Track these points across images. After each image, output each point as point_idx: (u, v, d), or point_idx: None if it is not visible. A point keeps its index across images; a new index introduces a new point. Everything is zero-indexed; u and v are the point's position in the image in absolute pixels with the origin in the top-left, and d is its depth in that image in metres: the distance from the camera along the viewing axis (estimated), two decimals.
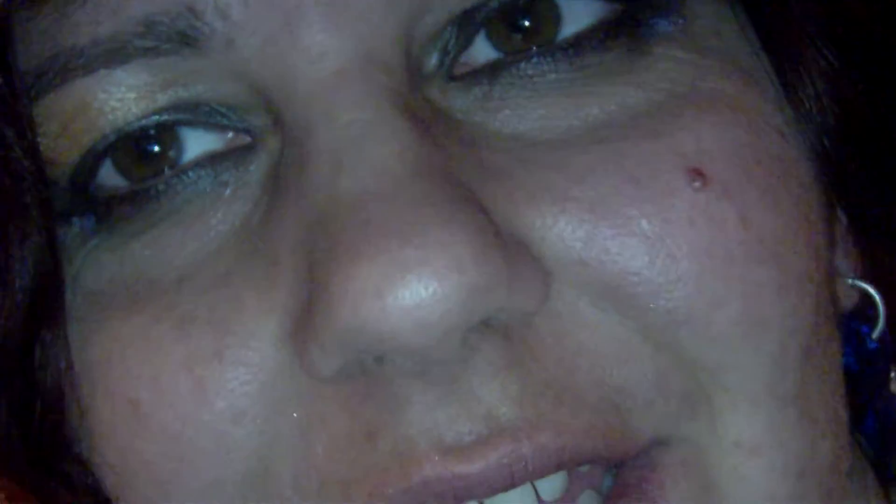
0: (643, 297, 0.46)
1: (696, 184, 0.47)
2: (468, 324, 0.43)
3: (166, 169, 0.49)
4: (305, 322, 0.45)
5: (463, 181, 0.45)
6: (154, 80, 0.48)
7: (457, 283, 0.42)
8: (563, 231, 0.46)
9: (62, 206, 0.51)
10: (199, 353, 0.47)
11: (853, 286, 0.56)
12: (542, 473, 0.45)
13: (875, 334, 0.57)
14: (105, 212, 0.50)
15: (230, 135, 0.50)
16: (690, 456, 0.47)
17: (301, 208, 0.46)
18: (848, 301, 0.56)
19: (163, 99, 0.48)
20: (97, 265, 0.51)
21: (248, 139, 0.49)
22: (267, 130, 0.48)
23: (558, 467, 0.45)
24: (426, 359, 0.44)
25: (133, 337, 0.49)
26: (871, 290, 0.56)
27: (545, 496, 0.47)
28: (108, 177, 0.50)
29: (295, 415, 0.47)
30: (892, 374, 0.58)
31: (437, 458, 0.44)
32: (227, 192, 0.49)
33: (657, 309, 0.46)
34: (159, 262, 0.49)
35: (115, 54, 0.47)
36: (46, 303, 0.51)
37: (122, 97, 0.48)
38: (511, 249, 0.44)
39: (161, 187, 0.49)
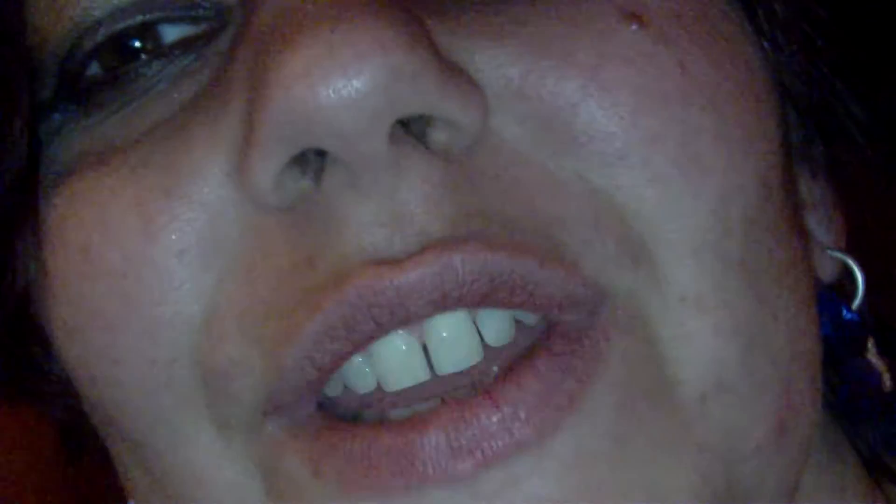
0: (579, 129, 0.46)
1: (634, 26, 0.47)
2: (396, 110, 0.44)
3: (143, 56, 0.51)
4: (246, 134, 0.46)
5: (404, 5, 0.46)
6: None
7: (380, 62, 0.43)
8: (502, 64, 0.46)
9: (47, 95, 0.52)
10: (148, 191, 0.48)
11: (833, 257, 0.57)
12: (476, 289, 0.45)
13: (854, 305, 0.58)
14: (86, 99, 0.52)
15: (205, 24, 0.51)
16: (636, 311, 0.47)
17: (251, 35, 0.47)
18: (830, 273, 0.57)
19: None
20: (72, 145, 0.52)
21: (218, 24, 0.51)
22: (235, 7, 0.50)
23: (492, 284, 0.45)
24: (356, 152, 0.44)
25: (89, 190, 0.49)
26: (850, 261, 0.57)
27: (490, 342, 0.47)
28: (94, 72, 0.52)
29: (240, 252, 0.47)
30: (870, 346, 0.60)
31: (369, 271, 0.45)
32: (196, 64, 0.50)
33: (593, 142, 0.46)
34: (126, 132, 0.50)
35: None
36: (23, 190, 0.52)
37: None
38: (447, 62, 0.45)
39: (139, 70, 0.51)
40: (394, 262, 0.45)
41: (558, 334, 0.47)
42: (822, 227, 0.57)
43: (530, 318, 0.48)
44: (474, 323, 0.47)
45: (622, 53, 0.47)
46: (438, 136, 0.45)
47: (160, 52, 0.51)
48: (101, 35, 0.51)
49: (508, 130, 0.46)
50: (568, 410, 0.45)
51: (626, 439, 0.46)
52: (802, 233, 0.53)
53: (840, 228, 0.58)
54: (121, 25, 0.51)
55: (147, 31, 0.51)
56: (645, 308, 0.47)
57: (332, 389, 0.49)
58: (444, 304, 0.45)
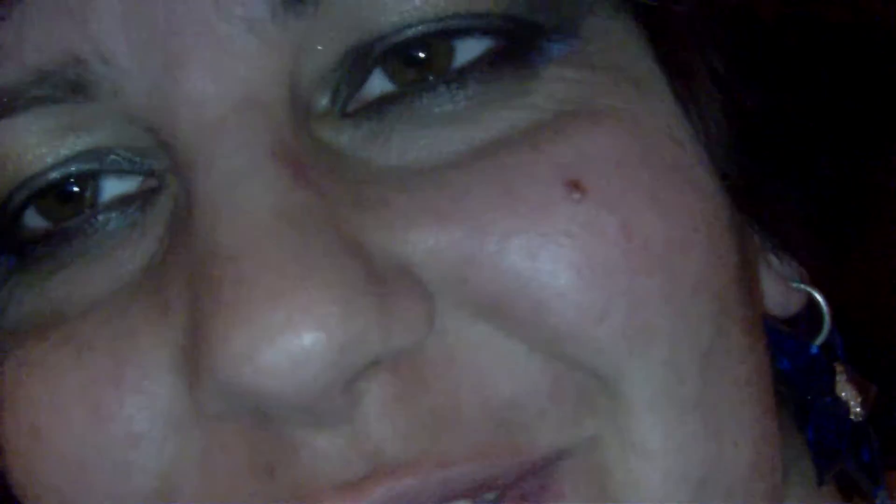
0: (526, 313, 0.46)
1: (575, 195, 0.46)
2: (346, 376, 0.44)
3: (84, 210, 0.50)
4: (192, 369, 0.45)
5: (338, 222, 0.45)
6: (55, 125, 0.49)
7: (325, 343, 0.43)
8: (442, 250, 0.46)
9: None
10: (96, 379, 0.48)
11: (798, 290, 0.55)
12: (433, 499, 0.45)
13: (818, 340, 0.57)
14: (27, 251, 0.51)
15: (140, 179, 0.50)
16: (592, 459, 0.47)
17: (187, 257, 0.46)
18: (793, 305, 0.55)
19: (66, 145, 0.49)
20: (16, 302, 0.51)
21: (155, 182, 0.50)
22: (169, 172, 0.49)
23: (450, 497, 0.46)
24: (312, 410, 0.44)
25: (35, 363, 0.49)
26: (816, 294, 0.56)
27: None
28: (31, 218, 0.51)
29: (194, 438, 0.47)
30: (838, 377, 0.58)
31: (328, 494, 0.45)
32: (136, 233, 0.49)
33: (541, 323, 0.46)
34: (70, 297, 0.50)
35: (14, 102, 0.48)
36: None
37: (25, 143, 0.49)
38: (389, 286, 0.45)
39: (78, 227, 0.50)
40: (351, 486, 0.45)
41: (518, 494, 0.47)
42: (785, 261, 0.55)
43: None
44: None
45: (563, 231, 0.46)
46: (386, 357, 0.45)
47: (99, 207, 0.50)
48: (33, 186, 0.50)
49: (454, 316, 0.46)
50: None
51: None
52: (754, 299, 0.52)
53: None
54: (53, 175, 0.50)
55: (83, 179, 0.50)
56: (603, 453, 0.47)
57: None
58: None
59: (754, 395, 0.50)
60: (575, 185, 0.46)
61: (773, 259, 0.55)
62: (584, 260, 0.45)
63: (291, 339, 0.43)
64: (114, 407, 0.47)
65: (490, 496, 0.47)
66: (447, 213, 0.46)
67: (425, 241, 0.46)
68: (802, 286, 0.55)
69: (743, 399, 0.49)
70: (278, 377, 0.43)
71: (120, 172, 0.50)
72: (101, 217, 0.50)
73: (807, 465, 0.57)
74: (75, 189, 0.50)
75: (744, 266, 0.50)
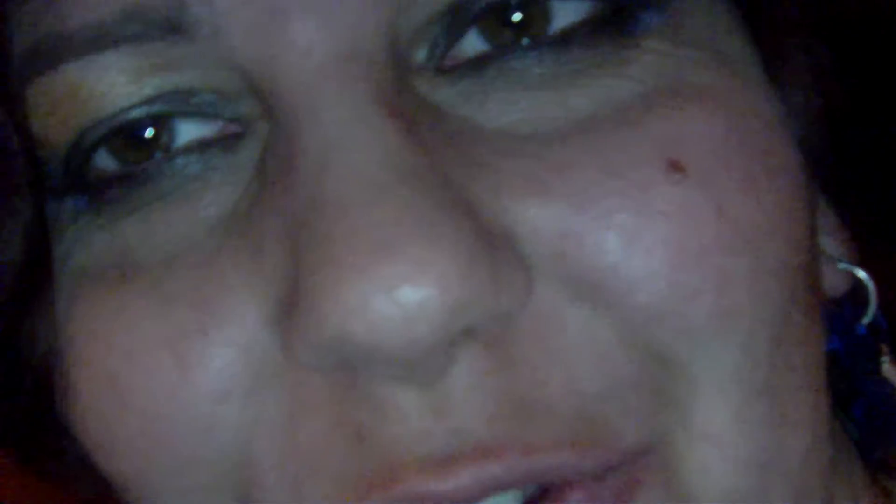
0: (618, 292, 0.45)
1: (676, 176, 0.46)
2: (452, 337, 0.43)
3: (158, 153, 0.49)
4: (291, 320, 0.44)
5: (448, 179, 0.45)
6: (143, 64, 0.47)
7: (441, 300, 0.42)
8: (543, 222, 0.45)
9: (55, 184, 0.50)
10: (182, 330, 0.46)
11: (844, 270, 0.55)
12: (516, 486, 0.45)
13: (865, 319, 0.56)
14: (97, 192, 0.50)
15: (221, 124, 0.49)
16: (666, 452, 0.47)
17: (287, 202, 0.45)
18: (840, 285, 0.55)
19: (152, 84, 0.48)
20: (87, 242, 0.50)
21: (238, 128, 0.49)
22: (256, 118, 0.48)
23: (532, 482, 0.45)
24: (412, 368, 0.44)
25: (116, 311, 0.48)
26: (863, 275, 0.55)
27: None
28: (102, 159, 0.50)
29: (280, 397, 0.46)
30: (884, 358, 0.57)
31: (414, 471, 0.44)
32: (217, 177, 0.48)
33: (632, 304, 0.45)
34: (147, 243, 0.48)
35: (104, 39, 0.47)
36: (34, 280, 0.50)
37: (111, 81, 0.48)
38: (497, 251, 0.44)
39: (152, 170, 0.49)
40: (438, 465, 0.44)
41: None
42: (832, 241, 0.55)
43: None
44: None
45: (661, 210, 0.45)
46: (484, 324, 0.44)
47: (173, 152, 0.49)
48: (106, 127, 0.49)
49: (548, 294, 0.45)
50: None
51: None
52: (818, 281, 0.52)
53: (849, 241, 0.56)
54: (128, 116, 0.49)
55: (158, 123, 0.49)
56: (674, 448, 0.47)
57: None
58: (482, 497, 0.45)
59: (813, 379, 0.50)
60: (675, 166, 0.46)
61: (823, 240, 0.54)
62: (680, 240, 0.45)
63: (407, 294, 0.42)
64: (200, 359, 0.46)
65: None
66: (550, 186, 0.45)
67: (527, 212, 0.45)
68: (850, 267, 0.55)
69: (802, 384, 0.49)
70: (390, 332, 0.42)
71: (201, 116, 0.49)
72: (178, 160, 0.49)
73: (843, 446, 0.57)
74: (151, 132, 0.49)
75: (812, 250, 0.51)
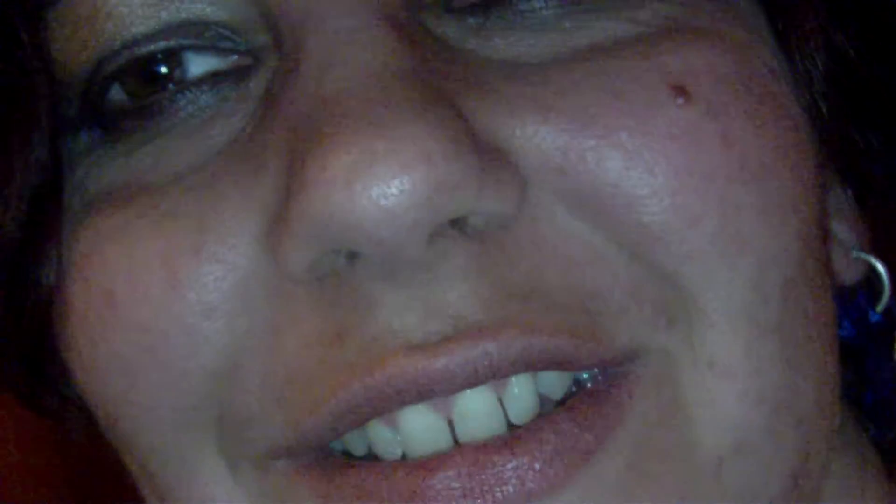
0: (619, 209, 0.46)
1: (679, 100, 0.46)
2: (435, 220, 0.43)
3: (171, 85, 0.50)
4: (281, 215, 0.45)
5: (445, 89, 0.45)
6: None
7: (424, 175, 0.42)
8: (542, 140, 0.46)
9: (71, 114, 0.52)
10: (177, 247, 0.47)
11: (857, 258, 0.55)
12: (508, 372, 0.45)
13: (879, 307, 0.56)
14: (112, 124, 0.51)
15: (234, 57, 0.50)
16: (664, 371, 0.47)
17: (290, 112, 0.46)
18: (854, 274, 0.55)
19: (169, 10, 0.49)
20: (99, 172, 0.51)
21: (249, 60, 0.50)
22: (267, 49, 0.49)
23: (526, 367, 0.45)
24: (394, 256, 0.44)
25: (115, 230, 0.49)
26: (876, 263, 0.55)
27: (514, 420, 0.47)
28: (117, 94, 0.51)
29: (266, 313, 0.47)
30: None
31: (401, 355, 0.44)
32: (227, 106, 0.49)
33: (632, 222, 0.45)
34: (157, 169, 0.50)
35: None
36: (47, 207, 0.51)
37: (130, 4, 0.49)
38: (486, 153, 0.44)
39: (165, 102, 0.50)
40: (426, 347, 0.44)
41: (582, 391, 0.47)
42: (846, 228, 0.55)
43: (556, 393, 0.48)
44: (500, 401, 0.47)
45: (665, 132, 0.46)
46: (476, 222, 0.45)
47: (185, 85, 0.50)
48: (123, 59, 0.50)
49: (547, 204, 0.46)
50: (581, 465, 0.45)
51: (636, 498, 0.46)
52: (829, 259, 0.52)
53: (864, 230, 0.56)
54: (144, 49, 0.50)
55: (171, 57, 0.50)
56: (674, 368, 0.47)
57: (357, 448, 0.49)
58: (473, 384, 0.45)
59: (824, 335, 0.50)
60: (680, 90, 0.46)
61: (836, 226, 0.55)
62: (683, 163, 0.46)
63: (391, 168, 0.42)
64: (190, 275, 0.47)
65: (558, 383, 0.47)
66: (551, 105, 0.46)
67: (526, 129, 0.46)
68: (863, 255, 0.55)
69: (813, 335, 0.49)
70: (372, 205, 0.42)
71: (214, 50, 0.50)
72: (189, 93, 0.50)
73: (854, 438, 0.57)
74: (163, 69, 0.50)
75: (822, 219, 0.51)
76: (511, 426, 0.47)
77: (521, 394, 0.47)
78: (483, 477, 0.45)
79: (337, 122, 0.43)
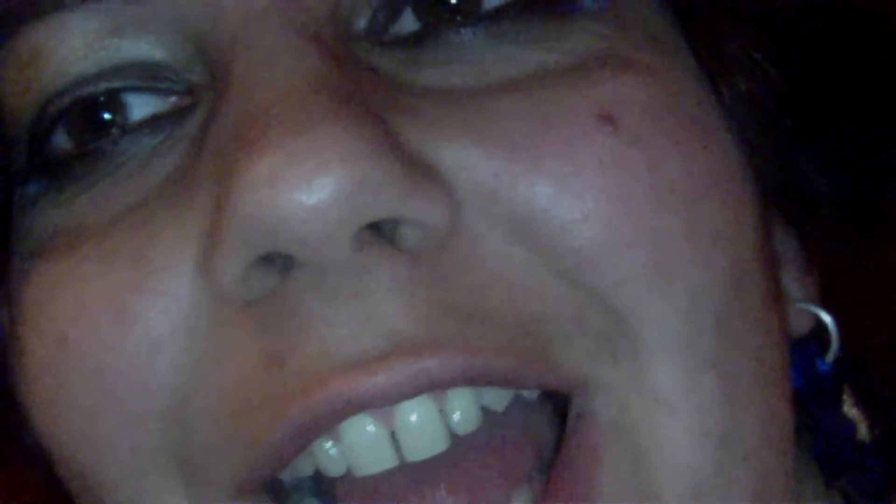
0: (552, 235, 0.46)
1: (607, 128, 0.47)
2: (358, 220, 0.44)
3: (114, 130, 0.51)
4: (212, 229, 0.46)
5: (371, 104, 0.46)
6: (102, 26, 0.50)
7: (343, 174, 0.43)
8: (475, 164, 0.46)
9: (19, 165, 0.52)
10: (121, 284, 0.48)
11: (804, 311, 0.56)
12: (449, 386, 0.46)
13: (828, 358, 0.57)
14: (57, 171, 0.52)
15: (173, 98, 0.51)
16: (617, 411, 0.47)
17: (218, 137, 0.47)
18: (803, 325, 0.56)
19: (110, 51, 0.50)
20: (44, 220, 0.52)
21: (189, 100, 0.51)
22: (205, 88, 0.50)
23: (466, 382, 0.46)
24: (319, 257, 0.44)
25: (63, 275, 0.50)
26: (823, 315, 0.56)
27: (457, 430, 0.48)
28: (59, 138, 0.52)
29: (209, 345, 0.47)
30: (845, 397, 0.58)
31: (339, 374, 0.45)
32: (165, 146, 0.50)
33: (566, 246, 0.46)
34: (99, 212, 0.50)
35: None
36: None
37: (71, 45, 0.50)
38: (412, 163, 0.45)
39: (108, 147, 0.51)
40: (363, 364, 0.45)
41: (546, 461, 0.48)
42: (795, 280, 0.56)
43: (498, 405, 0.48)
44: (441, 412, 0.47)
45: (593, 160, 0.46)
46: (406, 235, 0.45)
47: (128, 128, 0.51)
48: (66, 101, 0.51)
49: (482, 228, 0.46)
50: None
51: None
52: (778, 297, 0.52)
53: (813, 281, 0.57)
54: (86, 91, 0.51)
55: (113, 100, 0.51)
56: (626, 407, 0.47)
57: (304, 469, 0.49)
58: (412, 396, 0.45)
59: (767, 372, 0.50)
60: (607, 119, 0.47)
61: (783, 278, 0.55)
62: (612, 189, 0.46)
63: (312, 168, 0.43)
64: (136, 310, 0.47)
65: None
66: (482, 131, 0.47)
67: (457, 152, 0.46)
68: (811, 307, 0.56)
69: (754, 371, 0.49)
70: (295, 203, 0.43)
71: (155, 91, 0.51)
72: (131, 136, 0.51)
73: (814, 482, 0.58)
74: (106, 115, 0.51)
75: (767, 257, 0.51)
76: (455, 438, 0.47)
77: (463, 404, 0.47)
78: None
79: (260, 131, 0.44)
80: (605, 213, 0.46)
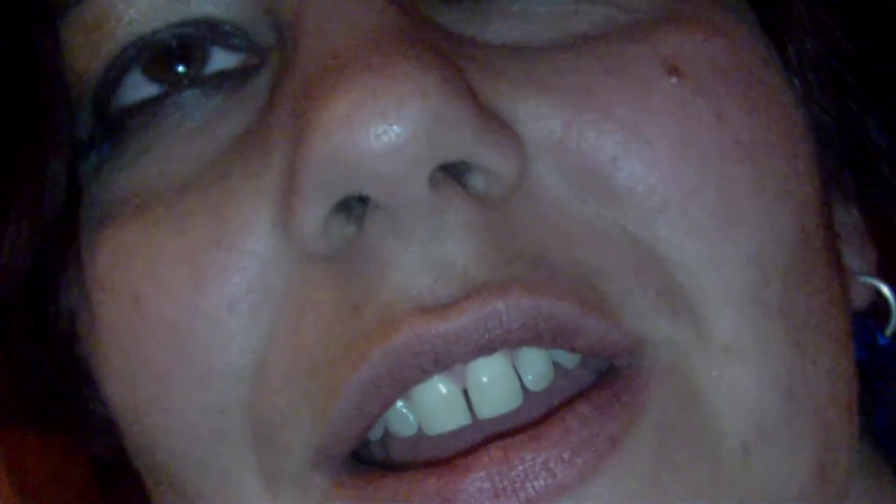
0: (620, 182, 0.47)
1: (674, 79, 0.48)
2: (434, 157, 0.44)
3: (184, 80, 0.52)
4: (289, 179, 0.46)
5: (443, 49, 0.46)
6: None
7: (420, 108, 0.43)
8: (543, 115, 0.47)
9: (84, 134, 0.53)
10: (198, 242, 0.48)
11: (865, 284, 0.56)
12: (519, 334, 0.45)
13: (888, 331, 0.58)
14: (120, 132, 0.53)
15: (240, 56, 0.52)
16: (676, 361, 0.47)
17: (291, 89, 0.47)
18: (862, 299, 0.57)
19: (177, 13, 0.51)
20: (110, 186, 0.53)
21: (255, 60, 0.52)
22: (272, 48, 0.51)
23: (533, 333, 0.45)
24: (397, 195, 0.44)
25: (136, 237, 0.50)
26: (884, 288, 0.57)
27: (530, 386, 0.48)
28: (130, 86, 0.53)
29: (288, 302, 0.47)
30: None
31: (415, 319, 0.45)
32: (233, 105, 0.51)
33: (634, 195, 0.47)
34: (166, 174, 0.51)
35: None
36: (66, 228, 0.53)
37: (139, 6, 0.52)
38: (486, 110, 0.45)
39: (173, 100, 0.52)
40: (438, 309, 0.45)
41: (600, 381, 0.47)
42: (854, 253, 0.57)
43: (570, 363, 0.48)
44: (514, 367, 0.47)
45: (661, 107, 0.47)
46: (477, 182, 0.46)
47: (195, 81, 0.52)
48: (135, 51, 0.52)
49: (549, 180, 0.47)
50: (609, 454, 0.45)
51: (666, 486, 0.45)
52: (839, 267, 0.53)
53: (871, 254, 0.58)
54: (156, 40, 0.52)
55: (184, 50, 0.52)
56: (685, 359, 0.47)
57: (374, 433, 0.49)
58: (487, 349, 0.46)
59: (833, 330, 0.50)
60: (674, 69, 0.48)
61: (844, 251, 0.56)
62: (681, 137, 0.47)
63: (389, 103, 0.43)
64: (214, 269, 0.48)
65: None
66: (550, 82, 0.47)
67: (528, 103, 0.47)
68: (871, 279, 0.57)
69: (821, 328, 0.49)
70: (372, 141, 0.43)
71: (223, 47, 0.52)
72: (195, 91, 0.52)
73: (872, 458, 0.58)
74: (175, 62, 0.52)
75: (828, 223, 0.52)
76: (527, 395, 0.47)
77: (534, 359, 0.47)
78: (513, 474, 0.45)
79: (334, 74, 0.44)
80: (673, 160, 0.47)
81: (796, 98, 0.52)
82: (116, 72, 0.52)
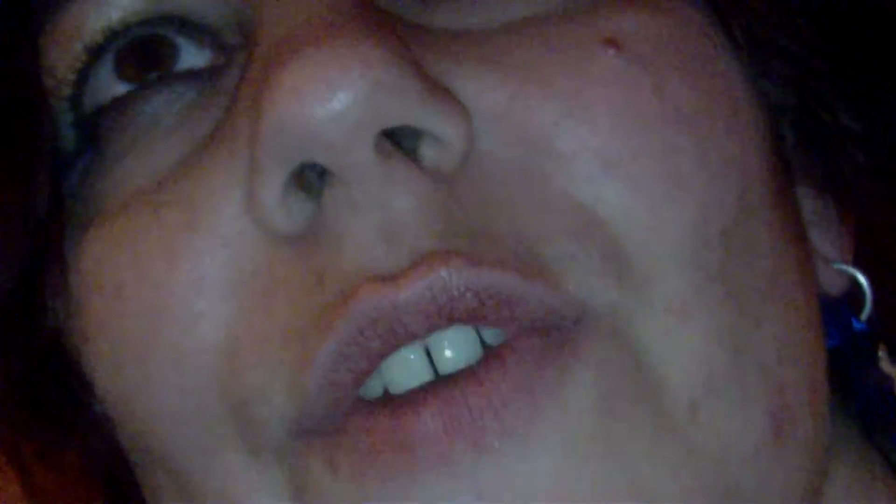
0: (563, 147, 0.48)
1: (611, 52, 0.49)
2: (378, 121, 0.46)
3: (155, 78, 0.54)
4: (251, 161, 0.48)
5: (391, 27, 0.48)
6: None
7: (363, 75, 0.45)
8: (487, 88, 0.49)
9: (69, 145, 0.55)
10: (172, 228, 0.50)
11: (840, 271, 0.58)
12: (465, 305, 0.47)
13: (863, 316, 0.59)
14: (96, 131, 0.54)
15: (210, 54, 0.54)
16: (620, 321, 0.48)
17: (252, 74, 0.49)
18: (837, 285, 0.58)
19: (150, 10, 0.53)
20: (94, 191, 0.54)
21: (222, 60, 0.54)
22: (239, 48, 0.53)
23: (477, 297, 0.47)
24: (347, 164, 0.46)
25: (119, 235, 0.52)
26: (858, 274, 0.58)
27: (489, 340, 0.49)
28: (105, 86, 0.55)
29: (259, 283, 0.49)
30: (881, 354, 0.60)
31: (370, 286, 0.47)
32: (204, 100, 0.53)
33: (577, 158, 0.48)
34: (145, 173, 0.53)
35: None
36: (50, 241, 0.54)
37: (109, 15, 0.54)
38: (431, 80, 0.47)
39: (145, 98, 0.54)
40: (390, 277, 0.47)
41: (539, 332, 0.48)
42: (827, 241, 0.58)
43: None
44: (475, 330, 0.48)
45: (600, 76, 0.49)
46: (427, 151, 0.47)
47: (166, 78, 0.53)
48: (109, 39, 0.54)
49: (495, 152, 0.48)
50: (550, 397, 0.46)
51: (612, 436, 0.46)
52: (803, 248, 0.54)
53: (846, 242, 0.59)
54: (131, 32, 0.54)
55: (157, 45, 0.54)
56: (628, 321, 0.48)
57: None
58: (438, 318, 0.47)
59: (780, 298, 0.51)
60: (611, 42, 0.49)
61: (817, 238, 0.57)
62: (620, 104, 0.48)
63: (334, 73, 0.45)
64: (185, 250, 0.50)
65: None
66: (495, 60, 0.49)
67: (472, 79, 0.49)
68: (844, 267, 0.58)
69: (766, 293, 0.50)
70: (320, 109, 0.45)
71: (195, 44, 0.54)
72: (168, 88, 0.53)
73: (859, 444, 0.59)
74: (150, 55, 0.54)
75: (783, 204, 0.53)
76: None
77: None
78: (460, 411, 0.46)
79: (287, 52, 0.46)
80: (615, 124, 0.48)
81: (745, 79, 0.53)
82: (89, 69, 0.54)
